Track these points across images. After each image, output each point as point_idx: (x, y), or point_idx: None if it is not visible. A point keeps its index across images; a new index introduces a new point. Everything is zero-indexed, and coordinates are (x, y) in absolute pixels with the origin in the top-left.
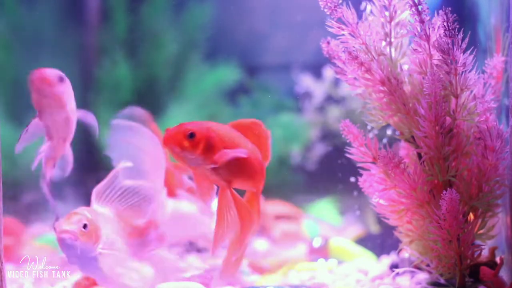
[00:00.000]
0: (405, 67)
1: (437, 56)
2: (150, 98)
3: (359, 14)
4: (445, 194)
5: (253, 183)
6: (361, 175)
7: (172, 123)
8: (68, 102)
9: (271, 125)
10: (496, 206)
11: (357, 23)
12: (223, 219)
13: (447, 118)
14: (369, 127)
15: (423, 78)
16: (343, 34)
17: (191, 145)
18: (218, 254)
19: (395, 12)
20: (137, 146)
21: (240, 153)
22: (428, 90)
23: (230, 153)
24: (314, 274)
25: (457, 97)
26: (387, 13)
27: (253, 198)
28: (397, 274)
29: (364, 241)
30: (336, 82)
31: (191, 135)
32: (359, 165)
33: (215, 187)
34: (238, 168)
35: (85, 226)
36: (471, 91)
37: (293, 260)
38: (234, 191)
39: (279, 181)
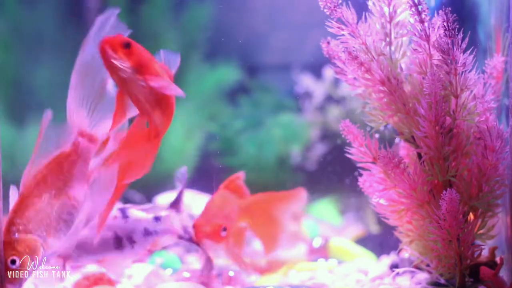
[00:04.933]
0: (403, 65)
1: (437, 56)
2: None
3: (359, 14)
4: (445, 194)
5: (164, 122)
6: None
7: (173, 123)
8: None
9: (271, 125)
10: (496, 206)
11: (357, 23)
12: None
13: (447, 118)
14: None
15: (423, 78)
16: (343, 34)
17: (126, 54)
18: None
19: (395, 12)
20: None
21: (176, 90)
22: (428, 90)
23: (167, 82)
24: (314, 274)
25: (457, 97)
26: (386, 11)
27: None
28: (397, 274)
29: (364, 241)
30: (336, 82)
31: (127, 45)
32: (359, 165)
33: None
34: (162, 101)
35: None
36: (471, 91)
37: (293, 260)
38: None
39: (279, 181)
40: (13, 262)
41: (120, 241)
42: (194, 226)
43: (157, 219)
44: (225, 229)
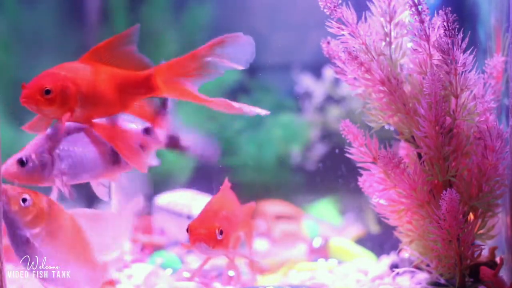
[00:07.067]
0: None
1: (437, 56)
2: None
3: (359, 14)
4: (445, 194)
5: (108, 108)
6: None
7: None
8: None
9: (271, 125)
10: (496, 206)
11: (357, 23)
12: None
13: (447, 118)
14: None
15: (423, 78)
16: (343, 34)
17: (48, 101)
18: None
19: (395, 12)
20: None
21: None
22: (428, 90)
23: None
24: (314, 274)
25: (457, 97)
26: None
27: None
28: (397, 274)
29: (364, 241)
30: (336, 82)
31: (47, 92)
32: (359, 165)
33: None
34: (92, 102)
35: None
36: (471, 91)
37: (293, 260)
38: (94, 122)
39: (279, 181)
40: (24, 200)
41: (117, 155)
42: (189, 229)
43: (146, 130)
44: (221, 232)
